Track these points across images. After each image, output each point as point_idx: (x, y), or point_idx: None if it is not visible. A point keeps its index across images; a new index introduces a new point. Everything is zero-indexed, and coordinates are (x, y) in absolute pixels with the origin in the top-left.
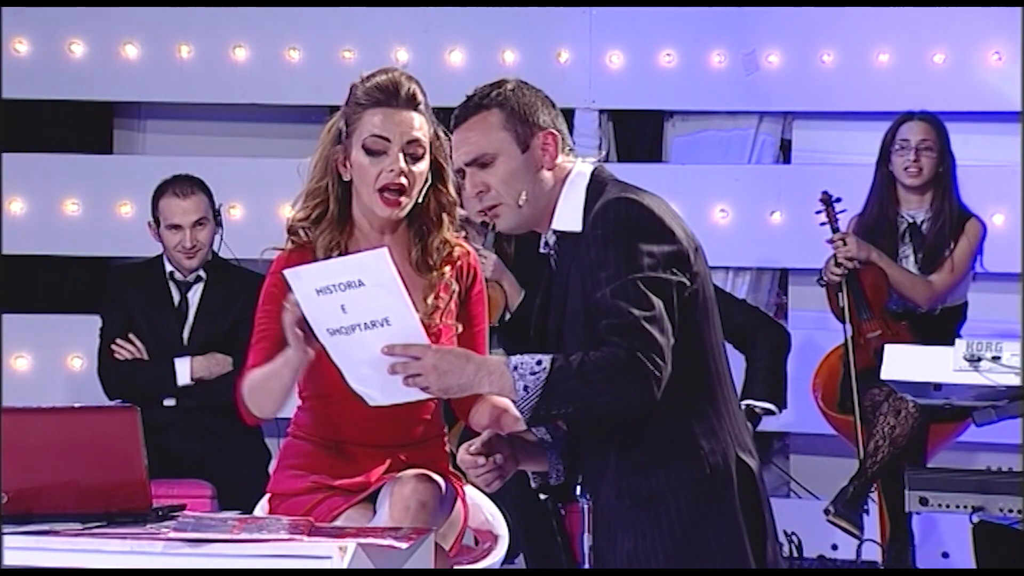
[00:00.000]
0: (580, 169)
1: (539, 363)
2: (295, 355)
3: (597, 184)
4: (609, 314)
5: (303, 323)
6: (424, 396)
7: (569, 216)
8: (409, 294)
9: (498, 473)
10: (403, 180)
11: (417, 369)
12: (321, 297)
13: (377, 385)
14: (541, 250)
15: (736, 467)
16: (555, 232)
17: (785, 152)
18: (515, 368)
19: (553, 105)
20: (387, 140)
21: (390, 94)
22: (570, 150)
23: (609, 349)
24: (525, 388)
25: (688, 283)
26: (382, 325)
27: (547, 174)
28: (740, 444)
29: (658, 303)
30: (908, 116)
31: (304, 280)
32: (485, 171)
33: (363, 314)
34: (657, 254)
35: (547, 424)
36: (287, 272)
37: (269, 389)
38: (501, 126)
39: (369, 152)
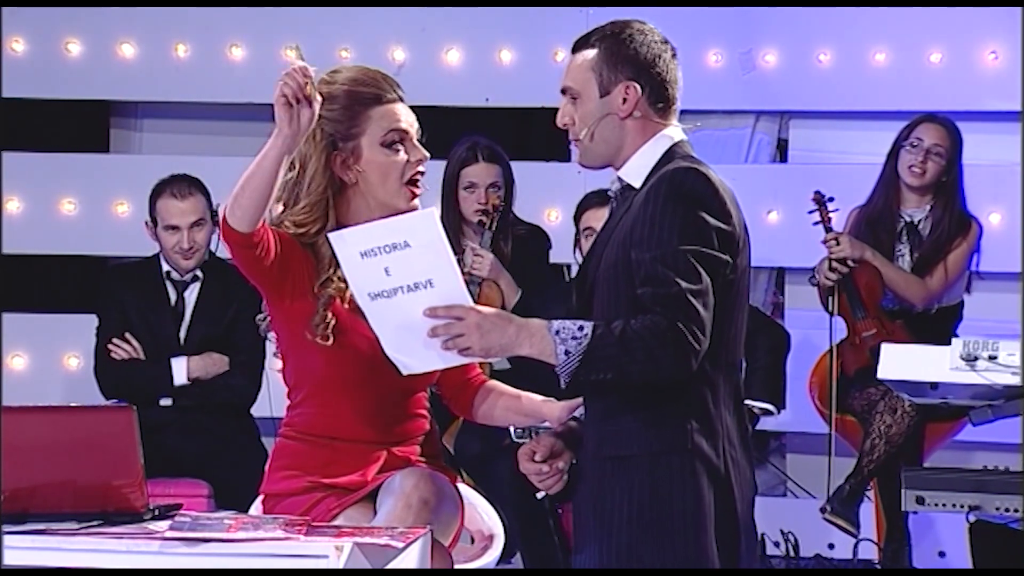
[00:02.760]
0: (669, 133)
1: (581, 328)
2: (285, 129)
3: (673, 152)
4: (655, 282)
5: (300, 92)
6: (462, 360)
7: (636, 171)
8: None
9: (559, 476)
10: (422, 169)
11: (460, 329)
12: (365, 260)
13: (414, 351)
14: (609, 193)
15: (721, 457)
16: (620, 182)
17: (781, 151)
18: (557, 332)
19: (663, 60)
20: (406, 132)
21: (385, 89)
22: (664, 108)
23: (652, 318)
24: (567, 352)
25: (733, 267)
26: (425, 287)
27: (624, 122)
28: (729, 439)
29: (706, 279)
30: (929, 118)
31: (348, 243)
32: (572, 103)
33: (407, 276)
34: (714, 230)
35: (585, 390)
36: (331, 235)
37: (256, 177)
38: (590, 67)
39: (390, 146)
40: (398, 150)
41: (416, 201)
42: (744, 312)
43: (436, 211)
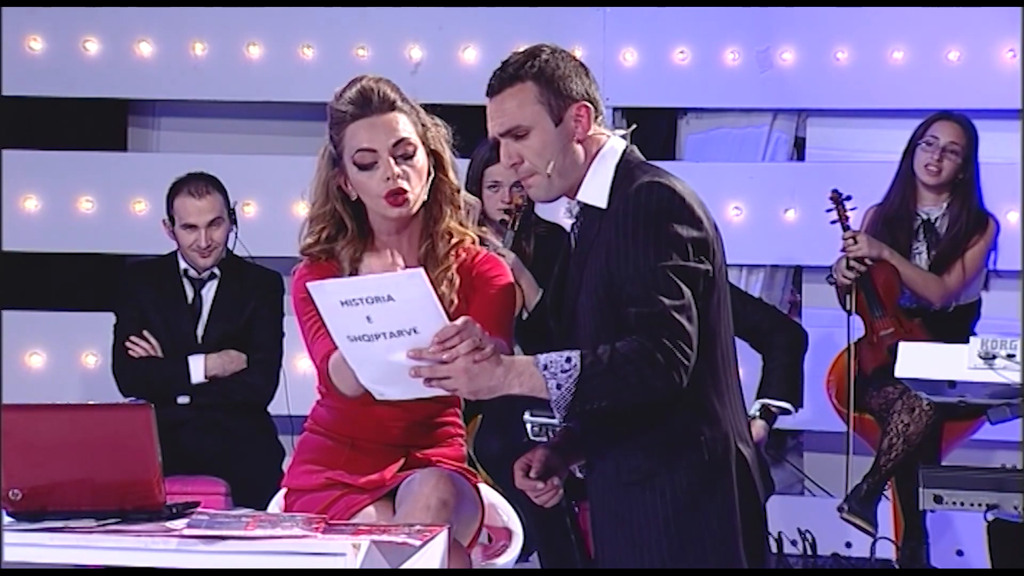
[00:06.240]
0: (612, 144)
1: (568, 360)
2: None
3: (627, 164)
4: (638, 302)
5: None
6: (442, 392)
7: (596, 190)
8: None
9: (556, 492)
10: (402, 183)
11: (446, 372)
12: (345, 308)
13: (392, 383)
14: (563, 217)
15: (735, 457)
16: (580, 203)
17: (799, 149)
18: (545, 367)
19: (587, 72)
20: (373, 151)
21: (363, 104)
22: (599, 120)
23: (638, 339)
24: (558, 386)
25: (710, 271)
26: (409, 334)
27: (578, 146)
28: (739, 434)
29: (687, 292)
30: (944, 115)
31: (328, 292)
32: (519, 143)
33: (389, 325)
34: (687, 241)
35: (582, 419)
36: (310, 286)
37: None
38: (535, 99)
39: (361, 167)
40: (369, 169)
41: (404, 208)
42: (728, 306)
43: (423, 271)
